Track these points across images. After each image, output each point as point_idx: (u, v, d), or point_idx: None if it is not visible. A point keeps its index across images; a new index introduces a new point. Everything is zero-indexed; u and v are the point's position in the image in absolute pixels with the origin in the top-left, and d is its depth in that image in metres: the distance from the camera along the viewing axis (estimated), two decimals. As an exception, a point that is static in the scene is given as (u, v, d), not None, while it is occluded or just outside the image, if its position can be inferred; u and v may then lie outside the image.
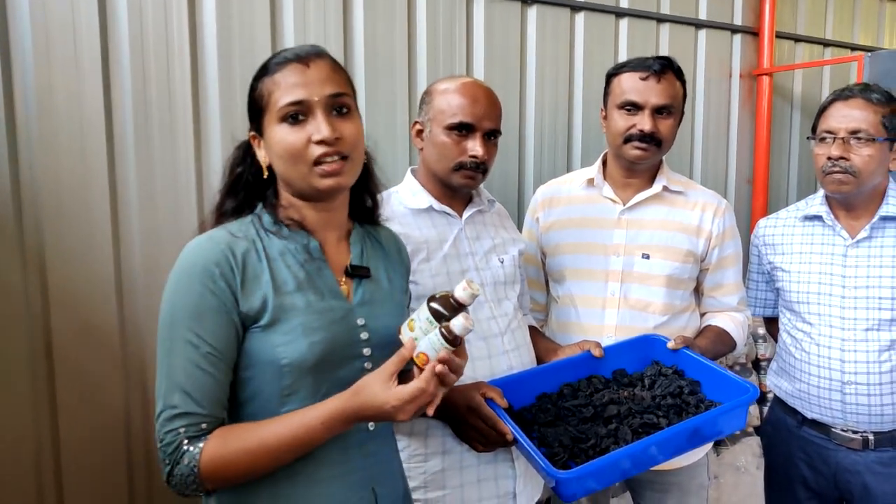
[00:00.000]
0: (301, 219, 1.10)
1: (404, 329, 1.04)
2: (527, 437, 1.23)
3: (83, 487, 1.79)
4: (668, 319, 1.64)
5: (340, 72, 1.08)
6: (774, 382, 1.81)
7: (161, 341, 1.00)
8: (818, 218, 1.71)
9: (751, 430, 2.78)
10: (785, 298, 1.75)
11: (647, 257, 1.64)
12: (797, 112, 3.69)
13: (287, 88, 1.03)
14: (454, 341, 0.98)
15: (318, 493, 1.06)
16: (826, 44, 3.75)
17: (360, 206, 1.21)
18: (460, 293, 1.01)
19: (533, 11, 2.47)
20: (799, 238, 1.74)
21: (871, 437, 1.61)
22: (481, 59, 2.36)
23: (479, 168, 1.44)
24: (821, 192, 1.72)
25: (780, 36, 3.48)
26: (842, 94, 1.61)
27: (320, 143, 1.02)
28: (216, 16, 1.86)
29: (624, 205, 1.67)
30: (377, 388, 0.97)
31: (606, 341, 1.59)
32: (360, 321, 1.10)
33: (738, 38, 3.36)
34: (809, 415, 1.69)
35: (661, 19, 2.91)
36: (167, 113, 1.80)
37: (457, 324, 0.97)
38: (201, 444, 0.97)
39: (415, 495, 1.43)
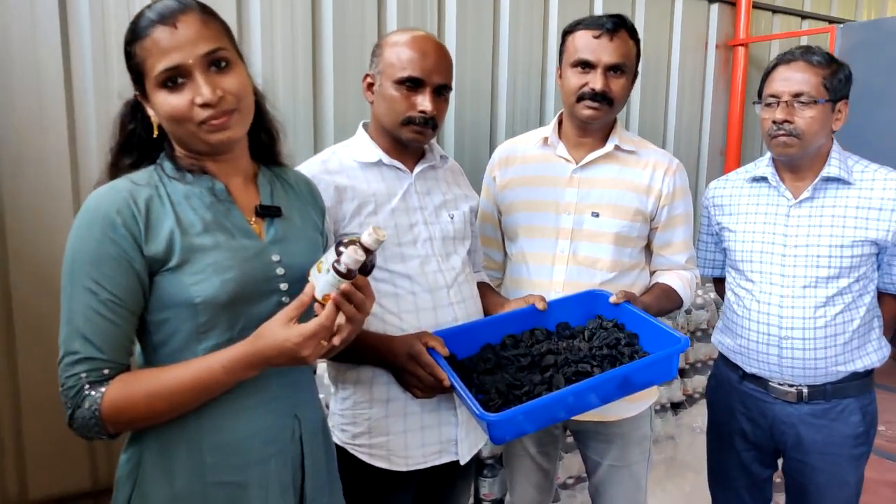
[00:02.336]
0: (202, 167, 1.11)
1: (312, 272, 1.07)
2: (463, 384, 1.28)
3: (41, 428, 1.82)
4: (615, 276, 1.68)
5: (212, 23, 1.05)
6: (718, 339, 1.87)
7: (63, 288, 1.01)
8: (764, 179, 1.75)
9: (708, 392, 2.85)
10: (730, 258, 1.80)
11: (597, 215, 1.67)
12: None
13: (159, 54, 1.01)
14: (348, 275, 1.01)
15: (244, 422, 1.10)
16: (804, 16, 3.76)
17: (258, 144, 1.21)
18: (366, 238, 1.03)
19: (505, -29, 2.46)
20: (746, 199, 1.78)
21: (805, 390, 1.68)
22: (453, 16, 2.36)
23: (429, 123, 1.46)
24: (768, 155, 1.76)
25: (757, 6, 3.48)
26: (784, 58, 1.63)
27: (204, 105, 1.02)
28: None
29: (576, 164, 1.70)
30: (277, 328, 0.99)
31: (553, 296, 1.63)
32: (275, 258, 1.13)
33: (715, 7, 3.36)
34: (749, 369, 1.75)
35: (636, -15, 2.90)
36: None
37: (345, 257, 1.00)
38: (103, 389, 0.99)
39: (359, 441, 1.48)
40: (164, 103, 1.03)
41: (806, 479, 1.71)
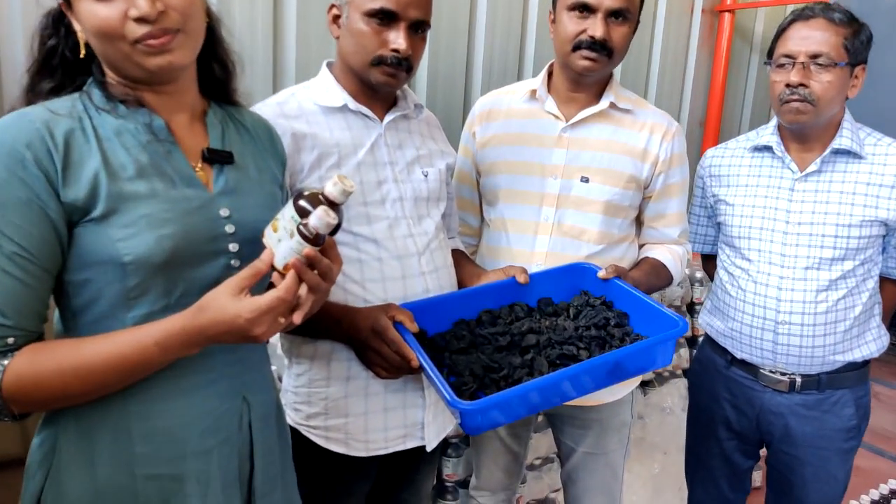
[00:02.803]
0: (139, 98, 0.92)
1: (268, 232, 0.90)
2: (434, 365, 1.11)
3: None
4: (603, 249, 1.53)
5: None
6: (707, 321, 1.74)
7: None
8: (768, 149, 1.60)
9: (679, 371, 2.76)
10: (726, 233, 1.66)
11: (586, 181, 1.51)
12: (756, 54, 3.58)
13: None
14: (316, 240, 0.85)
15: (181, 406, 0.94)
16: (794, -16, 3.61)
17: (209, 77, 1.03)
18: (330, 189, 0.87)
19: None
20: (746, 170, 1.64)
21: (798, 379, 1.56)
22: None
23: (402, 65, 1.26)
24: (773, 122, 1.61)
25: (748, -29, 3.33)
26: (802, 14, 1.47)
27: (140, 20, 0.84)
28: None
29: (566, 121, 1.53)
30: (225, 300, 0.83)
31: (535, 269, 1.47)
32: (224, 212, 0.95)
33: (702, -30, 3.19)
34: (739, 354, 1.63)
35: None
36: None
37: (315, 219, 0.84)
38: (6, 362, 0.82)
39: (313, 422, 1.32)
40: (91, 14, 0.84)
41: (792, 472, 1.61)
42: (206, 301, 0.85)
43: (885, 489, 2.29)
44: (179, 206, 0.90)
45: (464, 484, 2.10)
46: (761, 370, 1.60)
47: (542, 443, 2.24)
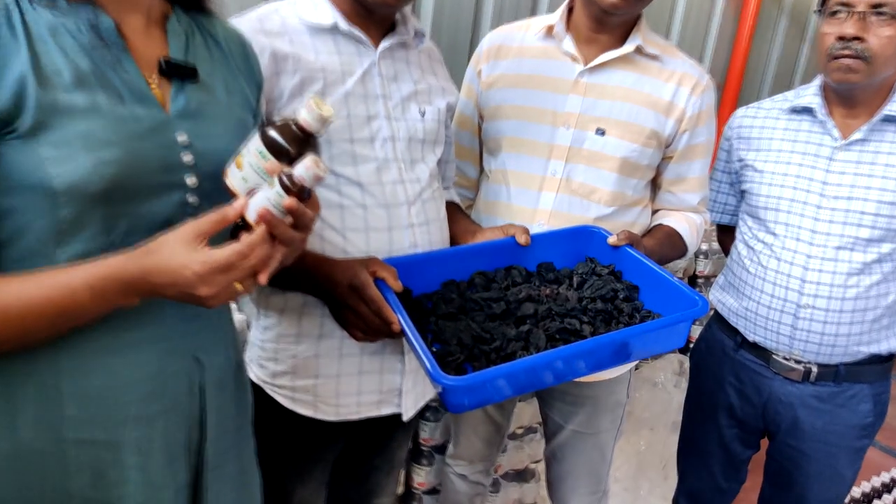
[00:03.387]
0: None
1: (231, 170, 0.75)
2: (417, 330, 0.97)
3: None
4: (613, 212, 1.37)
5: None
6: (718, 298, 1.60)
7: None
8: (808, 111, 1.43)
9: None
10: (750, 203, 1.50)
11: (602, 133, 1.34)
12: (784, 17, 3.36)
13: None
14: (301, 194, 0.71)
15: (121, 364, 0.80)
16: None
17: None
18: (305, 116, 0.73)
19: None
20: (780, 133, 1.47)
21: (814, 368, 1.43)
22: None
23: None
24: (816, 82, 1.44)
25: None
26: None
27: None
28: None
29: (585, 65, 1.35)
30: (177, 245, 0.69)
31: (536, 229, 1.32)
32: (182, 138, 0.79)
33: None
34: (751, 337, 1.49)
35: None
36: None
37: (302, 169, 0.70)
38: None
39: (279, 381, 1.19)
40: None
41: (796, 467, 1.49)
42: (158, 243, 0.72)
43: (877, 481, 2.21)
44: (126, 127, 0.74)
45: (440, 449, 1.99)
46: (774, 356, 1.46)
47: (525, 412, 2.13)
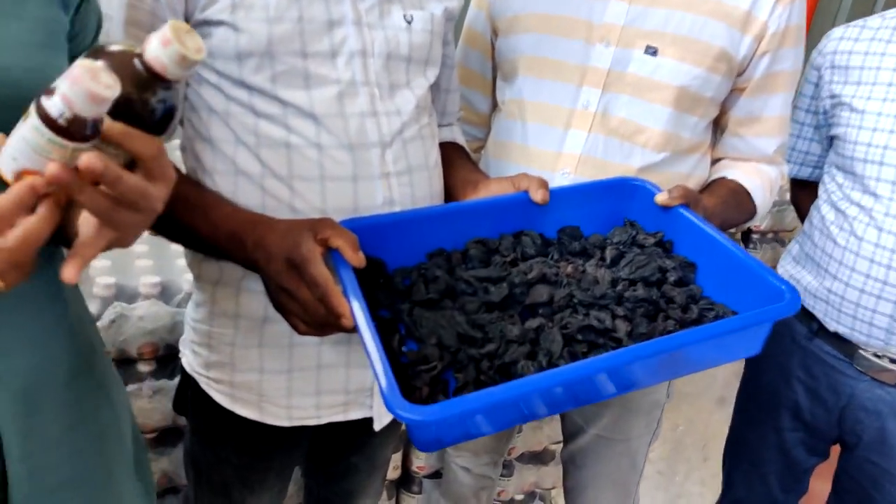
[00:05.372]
0: None
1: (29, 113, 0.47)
2: (375, 326, 0.67)
3: None
4: (664, 159, 1.04)
5: None
6: (790, 272, 1.26)
7: None
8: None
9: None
10: (843, 153, 1.15)
11: (654, 53, 0.99)
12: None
13: None
14: (74, 131, 0.45)
15: None
16: None
17: None
18: (154, 51, 0.46)
19: None
20: (890, 62, 1.10)
21: (916, 371, 1.11)
22: None
23: None
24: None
25: None
26: None
27: None
28: None
29: (632, -41, 0.99)
30: None
31: (560, 180, 0.99)
32: None
33: None
34: (833, 326, 1.16)
35: None
36: None
37: (67, 84, 0.43)
38: None
39: (215, 373, 0.93)
40: None
41: (877, 489, 1.18)
42: None
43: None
44: None
45: (436, 475, 1.74)
46: (862, 351, 1.14)
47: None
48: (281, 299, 0.77)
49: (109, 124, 0.47)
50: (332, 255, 0.75)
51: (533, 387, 0.61)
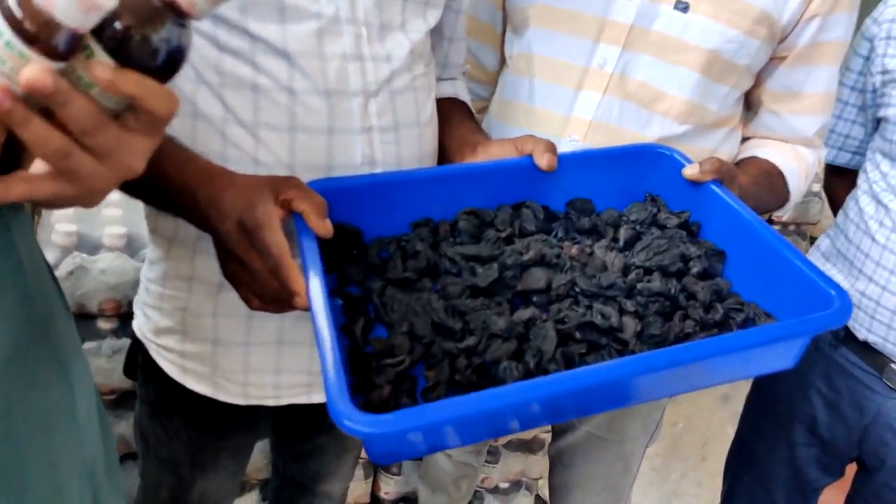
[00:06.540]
0: None
1: None
2: (336, 309, 0.56)
3: None
4: (686, 132, 0.91)
5: None
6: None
7: None
8: None
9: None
10: (892, 137, 1.02)
11: (685, 9, 0.86)
12: None
13: None
14: (51, 42, 0.34)
15: None
16: None
17: None
18: None
19: None
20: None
21: (955, 392, 0.99)
22: None
23: None
24: None
25: None
26: None
27: None
28: None
29: None
30: None
31: (566, 147, 0.87)
32: None
33: None
34: (863, 334, 1.04)
35: None
36: None
37: None
38: None
39: (165, 340, 0.84)
40: None
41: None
42: None
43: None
44: None
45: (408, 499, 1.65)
46: (895, 364, 1.02)
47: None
48: (231, 267, 0.65)
49: (119, 72, 0.36)
50: (295, 221, 0.63)
51: (512, 400, 0.50)
